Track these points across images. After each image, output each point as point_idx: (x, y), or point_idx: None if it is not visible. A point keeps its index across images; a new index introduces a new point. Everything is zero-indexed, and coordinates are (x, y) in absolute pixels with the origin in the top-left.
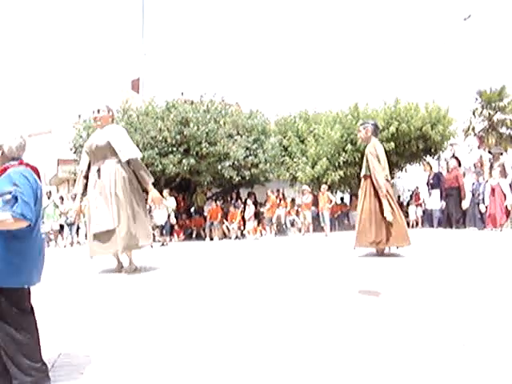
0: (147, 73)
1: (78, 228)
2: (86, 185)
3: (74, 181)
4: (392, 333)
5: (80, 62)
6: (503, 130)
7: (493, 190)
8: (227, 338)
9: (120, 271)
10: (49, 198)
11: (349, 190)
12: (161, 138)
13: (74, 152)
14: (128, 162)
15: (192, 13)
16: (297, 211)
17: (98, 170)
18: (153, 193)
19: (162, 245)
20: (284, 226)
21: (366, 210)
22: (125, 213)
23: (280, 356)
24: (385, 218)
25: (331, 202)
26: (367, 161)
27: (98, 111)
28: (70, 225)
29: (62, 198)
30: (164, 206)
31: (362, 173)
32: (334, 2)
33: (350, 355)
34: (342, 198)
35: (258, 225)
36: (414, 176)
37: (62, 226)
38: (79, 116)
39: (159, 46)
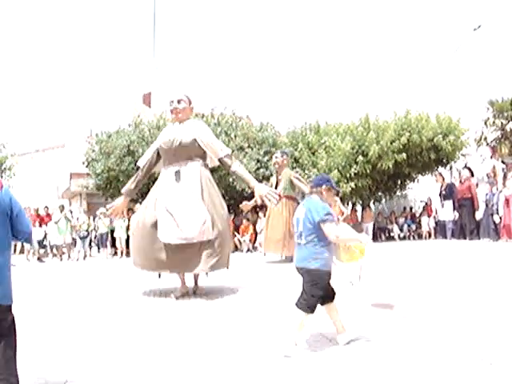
0: (158, 87)
1: (90, 241)
2: (138, 184)
3: (87, 194)
4: (414, 348)
5: (92, 77)
6: None
7: (507, 200)
8: (241, 350)
9: (184, 295)
10: (61, 211)
11: (360, 202)
12: None
13: (87, 166)
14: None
15: (203, 26)
16: None
17: (178, 172)
18: (258, 189)
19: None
20: None
21: (279, 221)
22: (219, 224)
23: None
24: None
25: (343, 213)
26: (292, 183)
27: (179, 102)
28: (83, 238)
29: (71, 212)
30: None
31: (284, 193)
32: (344, 12)
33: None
34: (353, 204)
35: None
36: (426, 187)
37: (74, 240)
38: (91, 130)
39: (170, 59)
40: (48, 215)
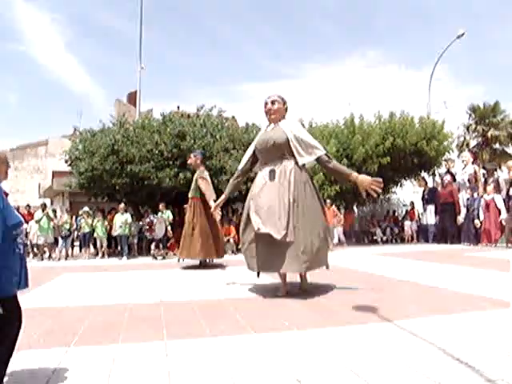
0: (144, 86)
1: (72, 241)
2: (237, 186)
3: (69, 193)
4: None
5: (77, 75)
6: (497, 145)
7: (487, 205)
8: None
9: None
10: (43, 210)
11: (344, 204)
12: (157, 152)
13: (70, 164)
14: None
15: (189, 26)
16: None
17: (272, 171)
18: (360, 179)
19: (155, 258)
20: None
21: (197, 226)
22: (305, 225)
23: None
24: (212, 234)
25: (336, 215)
26: (197, 184)
27: (273, 103)
28: (65, 237)
29: (54, 211)
30: (162, 220)
31: (191, 194)
32: (330, 11)
33: None
34: (346, 208)
35: None
36: (409, 191)
37: (56, 239)
38: (74, 128)
39: (157, 58)
40: (29, 214)
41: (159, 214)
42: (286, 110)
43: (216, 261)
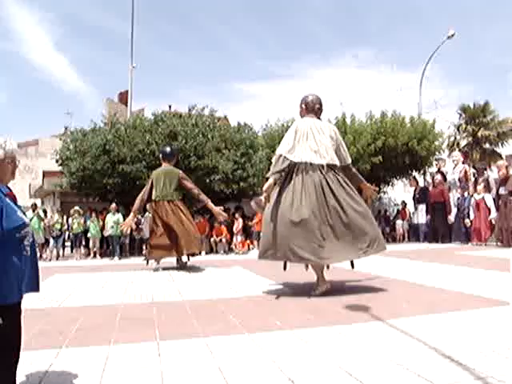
0: (135, 85)
1: (63, 241)
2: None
3: (60, 193)
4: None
5: (68, 74)
6: (486, 145)
7: (477, 204)
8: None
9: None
10: (34, 210)
11: None
12: (149, 152)
13: (60, 164)
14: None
15: (181, 25)
16: None
17: None
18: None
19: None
20: None
21: (167, 226)
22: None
23: None
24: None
25: None
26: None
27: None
28: (56, 238)
29: (45, 211)
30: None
31: (166, 197)
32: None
33: None
34: None
35: (246, 239)
36: (400, 191)
37: (47, 240)
38: (65, 128)
39: (149, 58)
40: None
41: (146, 213)
42: (303, 109)
43: (209, 261)
